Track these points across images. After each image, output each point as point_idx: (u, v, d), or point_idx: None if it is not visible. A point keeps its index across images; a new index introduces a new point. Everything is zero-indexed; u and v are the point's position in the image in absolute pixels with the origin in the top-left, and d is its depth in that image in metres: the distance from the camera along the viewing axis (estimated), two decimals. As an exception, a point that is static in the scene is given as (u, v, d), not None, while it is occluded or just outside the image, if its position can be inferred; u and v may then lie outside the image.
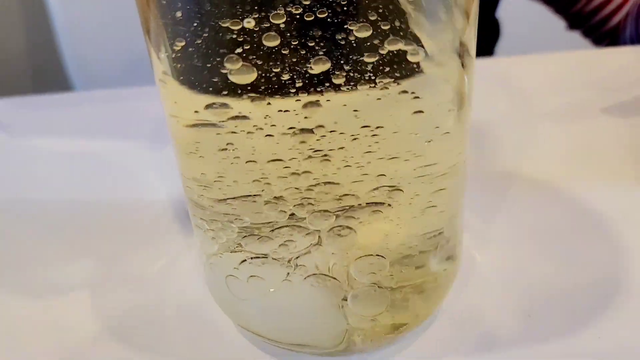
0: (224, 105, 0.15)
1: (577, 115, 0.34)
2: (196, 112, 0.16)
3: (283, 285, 0.18)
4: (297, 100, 0.15)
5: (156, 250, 0.26)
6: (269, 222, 0.17)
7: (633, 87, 0.35)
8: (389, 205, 0.16)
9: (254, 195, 0.16)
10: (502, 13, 0.54)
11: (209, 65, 0.15)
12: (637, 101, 0.34)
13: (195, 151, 0.17)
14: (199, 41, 0.14)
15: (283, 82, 0.14)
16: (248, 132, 0.15)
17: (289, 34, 0.14)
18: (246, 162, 0.16)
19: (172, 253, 0.26)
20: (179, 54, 0.15)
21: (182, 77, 0.16)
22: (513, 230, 0.25)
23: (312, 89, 0.14)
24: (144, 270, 0.25)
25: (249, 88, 0.15)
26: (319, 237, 0.17)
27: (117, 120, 0.38)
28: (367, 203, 0.16)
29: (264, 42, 0.14)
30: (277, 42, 0.14)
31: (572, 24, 0.52)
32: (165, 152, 0.34)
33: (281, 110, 0.15)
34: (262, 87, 0.14)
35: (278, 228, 0.17)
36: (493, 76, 0.39)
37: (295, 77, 0.14)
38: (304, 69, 0.14)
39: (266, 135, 0.15)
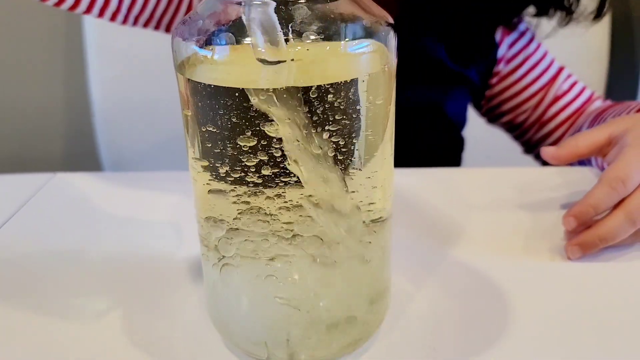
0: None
1: (501, 211, 0.43)
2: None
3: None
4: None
5: (168, 294, 0.35)
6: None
7: (553, 203, 0.45)
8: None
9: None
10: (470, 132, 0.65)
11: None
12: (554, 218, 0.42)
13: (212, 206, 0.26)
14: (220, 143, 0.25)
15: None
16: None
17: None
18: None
19: (181, 293, 0.34)
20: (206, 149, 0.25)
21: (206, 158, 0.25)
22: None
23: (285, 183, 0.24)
24: (161, 302, 0.33)
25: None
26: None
27: (141, 199, 0.48)
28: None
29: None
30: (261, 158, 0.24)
31: (525, 150, 0.64)
32: (179, 225, 0.43)
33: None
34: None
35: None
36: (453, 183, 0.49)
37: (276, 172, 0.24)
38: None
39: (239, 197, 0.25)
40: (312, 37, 0.24)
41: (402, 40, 0.43)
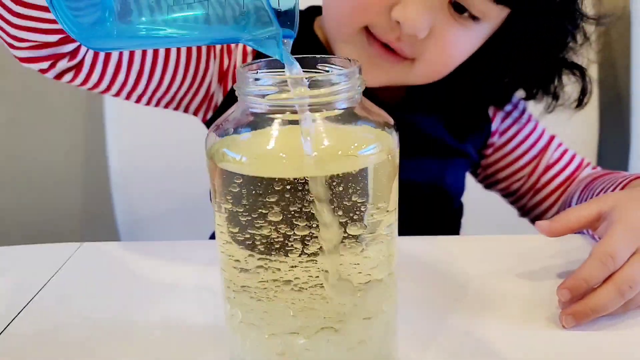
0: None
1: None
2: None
3: None
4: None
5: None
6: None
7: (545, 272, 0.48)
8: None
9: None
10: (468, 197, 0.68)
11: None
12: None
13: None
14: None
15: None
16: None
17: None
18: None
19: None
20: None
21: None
22: None
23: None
24: None
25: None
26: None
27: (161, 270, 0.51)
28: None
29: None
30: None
31: (521, 214, 0.67)
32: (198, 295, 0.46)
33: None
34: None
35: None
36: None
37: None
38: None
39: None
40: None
41: (405, 120, 0.48)
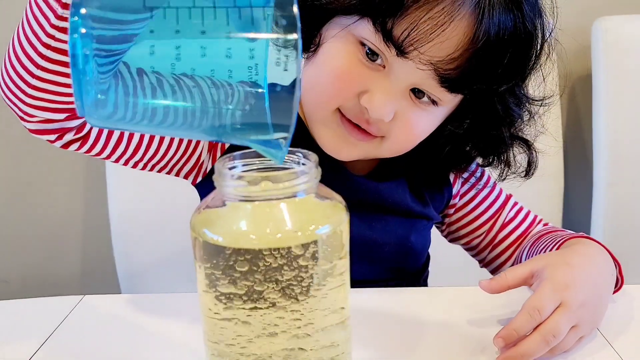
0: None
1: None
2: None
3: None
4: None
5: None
6: None
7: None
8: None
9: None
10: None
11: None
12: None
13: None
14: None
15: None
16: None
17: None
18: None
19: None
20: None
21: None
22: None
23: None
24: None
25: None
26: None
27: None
28: None
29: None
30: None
31: (482, 265, 0.74)
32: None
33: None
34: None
35: None
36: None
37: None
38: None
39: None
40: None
41: (374, 187, 0.55)
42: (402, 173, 0.66)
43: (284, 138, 0.34)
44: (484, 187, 0.71)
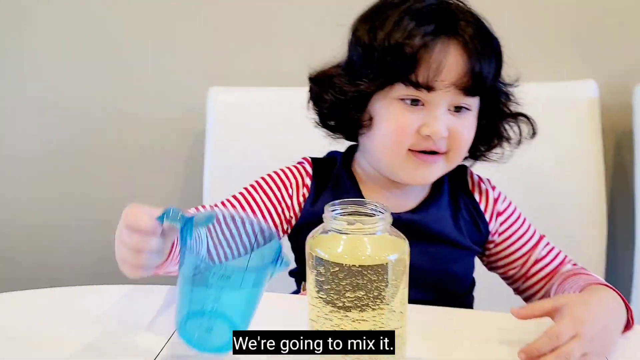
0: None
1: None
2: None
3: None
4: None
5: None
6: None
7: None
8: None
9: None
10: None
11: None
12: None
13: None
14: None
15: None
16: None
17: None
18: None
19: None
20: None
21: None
22: None
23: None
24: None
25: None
26: None
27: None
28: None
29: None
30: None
31: (516, 293, 0.90)
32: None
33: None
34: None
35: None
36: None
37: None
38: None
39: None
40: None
41: (419, 218, 0.76)
42: (445, 207, 0.84)
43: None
44: (520, 226, 0.87)
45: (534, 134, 0.85)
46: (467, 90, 0.75)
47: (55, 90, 1.34)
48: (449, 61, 0.74)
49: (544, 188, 1.17)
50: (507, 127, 0.84)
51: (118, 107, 1.34)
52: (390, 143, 0.78)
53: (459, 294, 0.86)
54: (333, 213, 0.57)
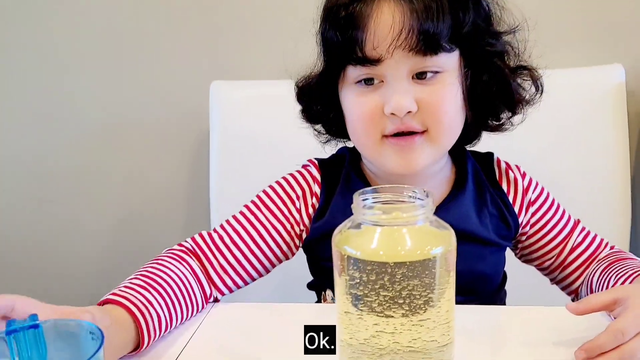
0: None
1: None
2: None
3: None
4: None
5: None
6: None
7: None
8: None
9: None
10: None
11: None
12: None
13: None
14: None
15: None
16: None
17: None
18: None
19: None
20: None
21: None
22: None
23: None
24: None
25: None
26: None
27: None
28: None
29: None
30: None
31: (552, 282, 0.83)
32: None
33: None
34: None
35: None
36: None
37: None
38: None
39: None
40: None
41: (441, 217, 0.67)
42: (469, 203, 0.76)
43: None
44: (554, 214, 0.80)
45: (541, 92, 0.73)
46: (420, 50, 0.64)
47: (55, 90, 1.33)
48: (384, 22, 0.64)
49: (568, 172, 1.12)
50: (514, 85, 0.71)
51: (120, 107, 1.32)
52: (359, 132, 0.70)
53: (488, 293, 0.79)
54: (365, 202, 0.49)
